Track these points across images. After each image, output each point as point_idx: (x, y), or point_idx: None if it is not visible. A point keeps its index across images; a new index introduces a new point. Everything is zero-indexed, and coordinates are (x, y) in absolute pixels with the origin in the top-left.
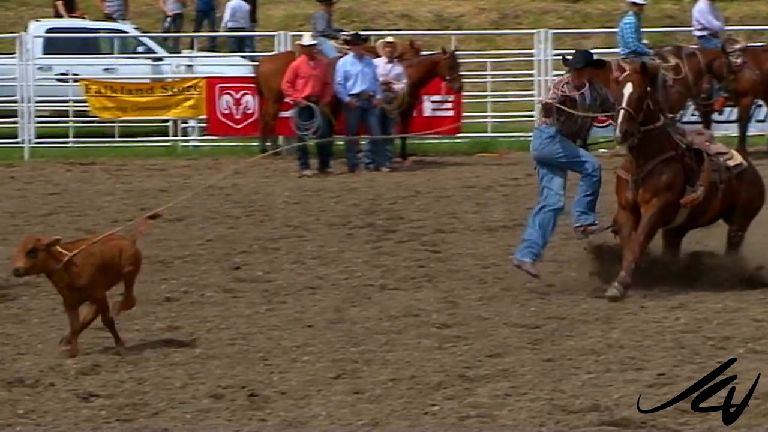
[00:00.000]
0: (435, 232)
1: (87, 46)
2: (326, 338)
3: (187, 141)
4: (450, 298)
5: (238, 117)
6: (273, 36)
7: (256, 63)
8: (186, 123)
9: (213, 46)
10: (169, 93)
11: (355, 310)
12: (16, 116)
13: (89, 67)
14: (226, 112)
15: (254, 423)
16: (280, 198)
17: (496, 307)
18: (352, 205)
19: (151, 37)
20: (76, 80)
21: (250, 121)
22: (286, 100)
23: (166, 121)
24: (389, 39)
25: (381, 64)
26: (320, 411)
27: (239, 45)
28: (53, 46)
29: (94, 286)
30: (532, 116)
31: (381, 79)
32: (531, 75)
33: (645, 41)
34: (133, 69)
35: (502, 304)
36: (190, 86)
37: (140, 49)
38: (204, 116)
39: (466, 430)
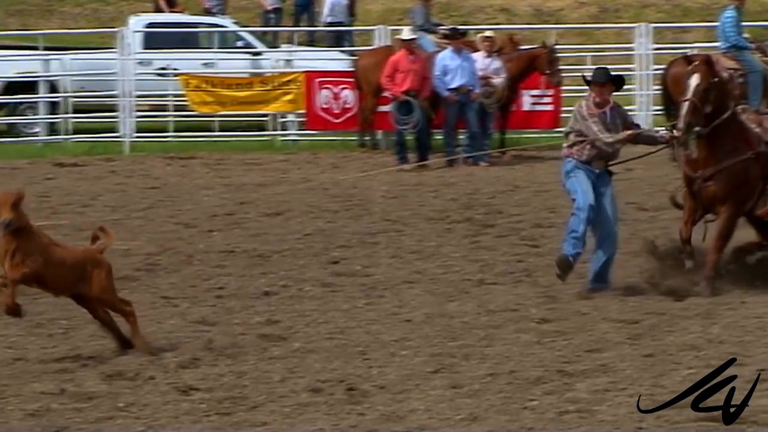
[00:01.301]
0: (533, 227)
1: (186, 40)
2: (424, 333)
3: (285, 135)
4: (549, 293)
5: (337, 111)
6: (371, 30)
7: (355, 57)
8: (285, 117)
9: (312, 40)
10: (268, 87)
11: (454, 304)
12: (116, 111)
13: (188, 61)
14: (325, 106)
15: (353, 417)
16: (379, 192)
17: (595, 302)
18: (451, 199)
19: (250, 32)
20: (175, 75)
21: (348, 115)
22: (385, 94)
23: (265, 115)
24: (488, 33)
25: (480, 58)
26: (418, 405)
27: (338, 39)
28: (153, 40)
29: (34, 260)
30: (632, 111)
31: (480, 73)
32: (631, 69)
33: (746, 35)
34: (232, 63)
35: (602, 299)
36: (288, 81)
37: (239, 43)
38: (303, 111)
39: (565, 425)
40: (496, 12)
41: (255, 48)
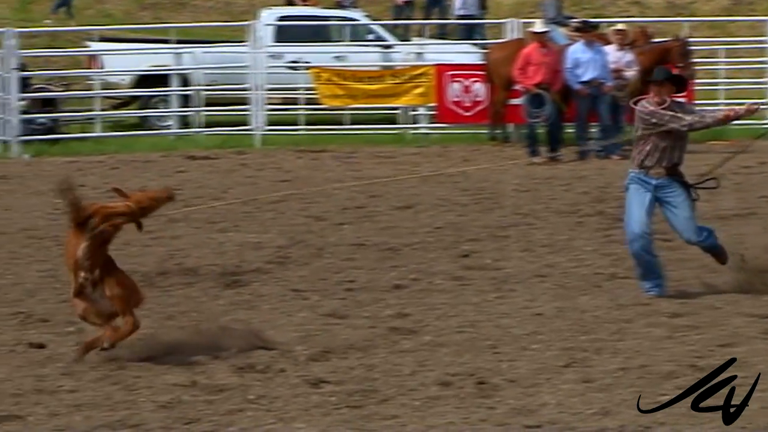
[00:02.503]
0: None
1: (317, 33)
2: (555, 326)
3: (416, 128)
4: (681, 287)
5: (468, 104)
6: (503, 23)
7: (486, 50)
8: (415, 110)
9: (443, 33)
10: (399, 81)
11: (585, 298)
12: (247, 104)
13: (319, 54)
14: (456, 99)
15: (483, 411)
16: (510, 186)
17: (727, 297)
18: (582, 192)
19: (381, 25)
20: (306, 68)
21: (479, 108)
22: (516, 87)
23: (396, 108)
24: (620, 26)
25: (612, 51)
26: (549, 399)
27: (469, 32)
28: (284, 33)
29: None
30: (765, 104)
31: (612, 66)
32: (764, 62)
33: None
34: (363, 57)
35: (734, 293)
36: (419, 74)
37: (370, 36)
38: (433, 104)
39: (697, 420)
40: (629, 5)
41: (386, 41)
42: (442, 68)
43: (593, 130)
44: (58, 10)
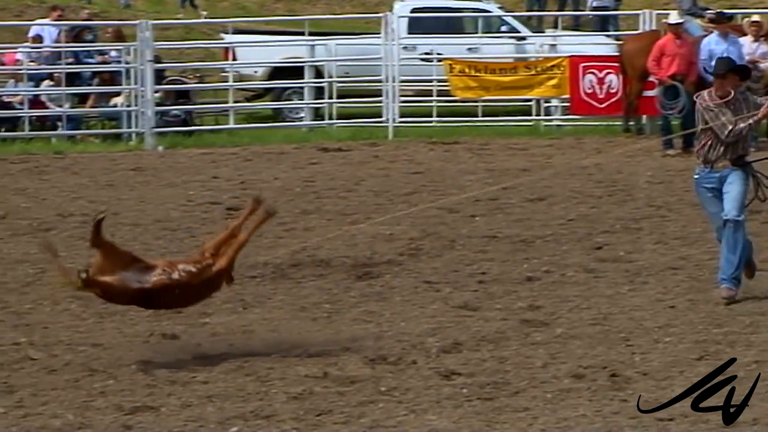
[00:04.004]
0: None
1: (451, 25)
2: (688, 319)
3: (549, 120)
4: None
5: (602, 96)
6: (637, 15)
7: (620, 42)
8: (548, 102)
9: (577, 25)
10: (532, 72)
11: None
12: (380, 96)
13: (453, 46)
14: (590, 91)
15: (615, 404)
16: (643, 178)
17: None
18: None
19: (514, 17)
20: (439, 60)
21: (613, 100)
22: (650, 79)
23: (529, 100)
24: (756, 17)
25: (747, 42)
26: (682, 392)
27: (603, 24)
28: (417, 25)
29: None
30: None
31: (747, 57)
32: None
33: None
34: (497, 48)
35: None
36: (553, 65)
37: (504, 28)
38: (567, 96)
39: None
40: None
41: (519, 33)
42: (575, 60)
43: None
44: (185, 3)
